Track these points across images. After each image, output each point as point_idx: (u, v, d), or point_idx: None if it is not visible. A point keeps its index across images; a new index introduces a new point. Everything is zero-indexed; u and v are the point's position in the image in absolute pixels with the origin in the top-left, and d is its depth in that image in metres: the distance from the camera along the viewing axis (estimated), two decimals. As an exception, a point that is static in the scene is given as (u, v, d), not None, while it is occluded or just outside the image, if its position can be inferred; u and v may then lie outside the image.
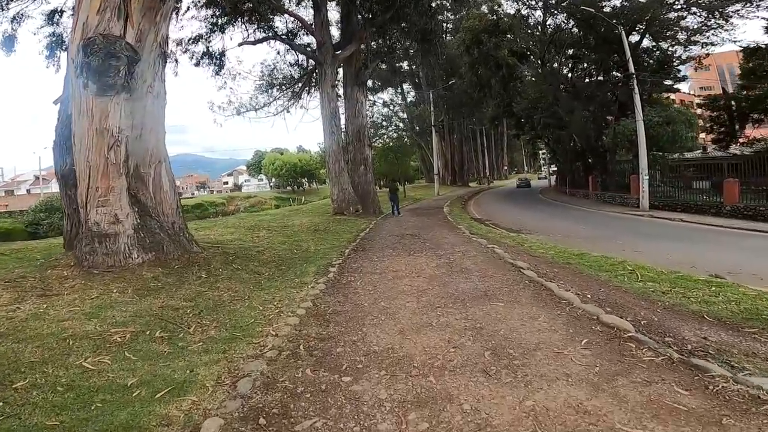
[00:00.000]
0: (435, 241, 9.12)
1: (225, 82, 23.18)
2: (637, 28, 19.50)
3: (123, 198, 5.61)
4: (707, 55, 21.17)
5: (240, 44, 17.28)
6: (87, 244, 5.47)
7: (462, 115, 45.52)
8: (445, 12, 33.54)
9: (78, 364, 3.11)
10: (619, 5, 19.33)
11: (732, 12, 17.94)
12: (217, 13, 16.71)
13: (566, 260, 6.38)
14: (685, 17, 19.13)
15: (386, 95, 50.74)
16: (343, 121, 18.39)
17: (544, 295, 4.54)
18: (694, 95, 39.21)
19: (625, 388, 2.54)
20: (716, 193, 14.32)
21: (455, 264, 6.49)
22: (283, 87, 21.41)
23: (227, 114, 20.55)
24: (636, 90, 16.22)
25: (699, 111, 27.60)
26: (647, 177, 15.76)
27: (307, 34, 18.41)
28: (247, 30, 17.41)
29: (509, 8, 27.36)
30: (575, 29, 22.45)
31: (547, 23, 23.77)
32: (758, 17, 18.12)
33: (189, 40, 17.41)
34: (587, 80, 25.10)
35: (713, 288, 4.57)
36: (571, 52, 24.17)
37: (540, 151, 55.00)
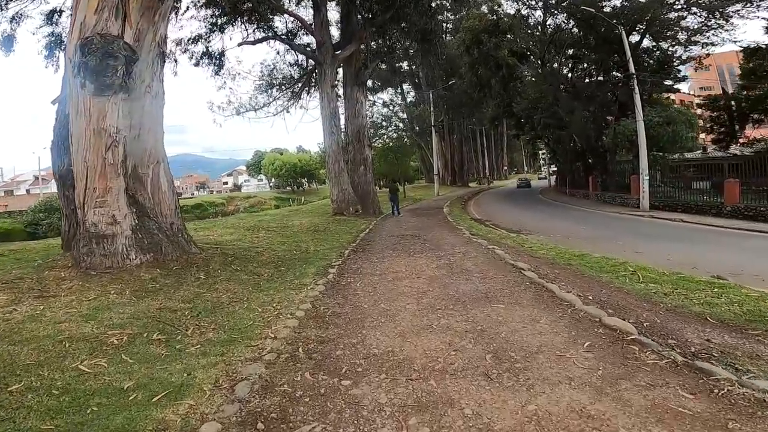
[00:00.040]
0: (435, 242, 9.09)
1: (224, 82, 23.15)
2: (637, 28, 19.47)
3: (121, 199, 5.57)
4: (707, 55, 21.15)
5: (239, 44, 17.25)
6: (85, 245, 5.43)
7: (462, 115, 45.48)
8: (445, 12, 33.52)
9: (74, 366, 3.07)
10: (619, 5, 19.31)
11: (732, 12, 17.92)
12: (217, 13, 16.66)
13: (567, 261, 6.34)
14: (686, 17, 19.12)
15: (386, 95, 50.82)
16: (342, 122, 18.36)
17: (545, 296, 4.50)
18: (694, 95, 39.20)
19: (629, 391, 2.50)
20: (716, 194, 14.29)
21: (456, 265, 6.45)
22: (283, 87, 21.37)
23: (227, 114, 20.51)
24: (636, 90, 16.19)
25: (699, 111, 27.57)
26: (647, 177, 15.73)
27: (306, 34, 18.38)
28: (246, 30, 17.40)
29: (509, 8, 27.38)
30: (575, 29, 22.43)
31: (547, 23, 23.76)
32: (758, 17, 18.13)
33: (188, 40, 17.38)
34: (587, 80, 25.07)
35: (716, 289, 4.54)
36: (571, 52, 24.14)
37: (540, 152, 55.00)
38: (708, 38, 19.63)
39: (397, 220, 15.40)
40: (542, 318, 3.80)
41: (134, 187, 5.94)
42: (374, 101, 47.92)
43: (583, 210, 18.28)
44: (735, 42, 19.80)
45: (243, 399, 2.62)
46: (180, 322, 4.02)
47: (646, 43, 21.07)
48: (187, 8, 16.13)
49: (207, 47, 17.67)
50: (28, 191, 62.20)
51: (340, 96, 19.04)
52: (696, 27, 19.39)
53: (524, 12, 24.74)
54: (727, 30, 18.71)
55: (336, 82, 18.12)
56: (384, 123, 50.75)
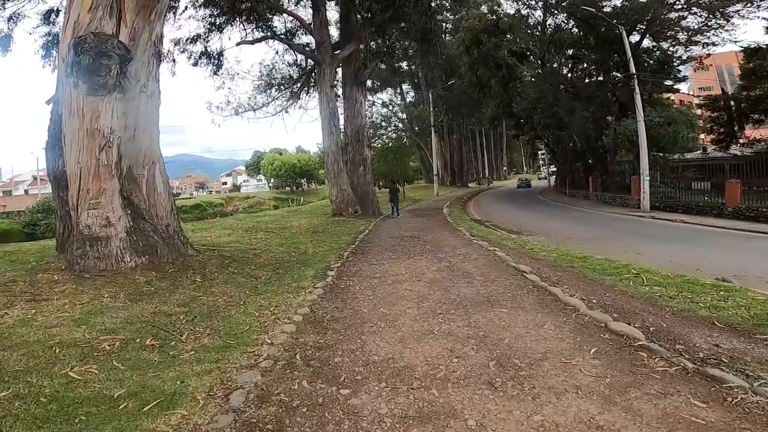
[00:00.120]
0: (435, 244, 8.99)
1: (223, 82, 23.05)
2: (637, 28, 19.40)
3: (115, 200, 5.46)
4: (708, 55, 21.09)
5: (238, 44, 17.16)
6: (78, 248, 5.33)
7: (461, 115, 45.41)
8: (445, 12, 33.46)
9: (63, 373, 2.99)
10: (619, 5, 19.23)
11: (732, 12, 17.86)
12: (215, 13, 16.57)
13: (569, 263, 6.26)
14: (686, 17, 19.05)
15: (385, 95, 50.70)
16: (342, 122, 18.27)
17: (548, 300, 4.41)
18: (694, 95, 39.16)
19: (639, 400, 2.42)
20: (717, 194, 14.23)
21: (456, 267, 6.35)
22: (282, 87, 21.27)
23: (225, 114, 20.39)
24: (637, 90, 16.13)
25: (699, 111, 27.52)
26: (648, 178, 15.65)
27: (305, 33, 18.28)
28: (245, 29, 17.29)
29: (509, 8, 27.32)
30: (575, 29, 22.36)
31: (547, 23, 23.68)
32: (759, 17, 18.07)
33: (187, 40, 17.28)
34: (587, 80, 25.01)
35: (721, 292, 4.46)
36: (571, 52, 24.07)
37: (539, 152, 55.00)
38: (708, 38, 19.58)
39: (396, 221, 15.31)
40: (546, 323, 3.71)
41: (129, 188, 5.84)
42: (373, 101, 47.91)
43: (584, 210, 18.21)
44: (735, 42, 19.77)
45: (238, 409, 2.53)
46: (174, 327, 3.92)
47: (646, 43, 21.02)
48: (186, 8, 16.06)
49: (205, 47, 17.60)
50: (26, 191, 62.04)
51: (339, 96, 18.96)
52: (696, 27, 19.34)
53: (524, 12, 24.68)
54: (727, 30, 18.67)
55: (335, 82, 18.04)
56: (383, 123, 50.68)
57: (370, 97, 42.23)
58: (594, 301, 4.31)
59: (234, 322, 4.11)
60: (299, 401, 2.61)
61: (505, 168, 74.00)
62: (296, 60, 20.43)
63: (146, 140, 6.21)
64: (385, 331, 3.77)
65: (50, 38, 14.82)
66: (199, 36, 17.24)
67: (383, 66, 34.31)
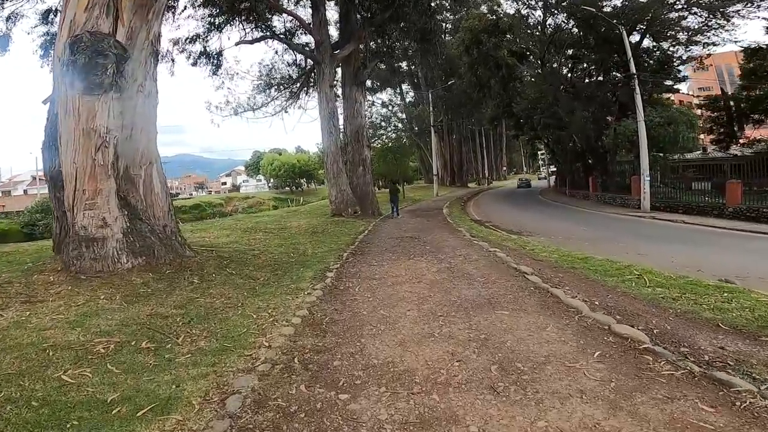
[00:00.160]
0: (435, 244, 8.93)
1: (222, 82, 22.99)
2: (637, 28, 19.36)
3: (111, 201, 5.40)
4: (708, 55, 21.03)
5: (237, 43, 17.11)
6: (74, 249, 5.26)
7: (461, 115, 45.37)
8: (445, 12, 33.40)
9: (56, 377, 2.94)
10: (619, 5, 19.17)
11: (733, 12, 17.82)
12: (214, 13, 16.49)
13: (571, 264, 6.20)
14: (686, 17, 19.00)
15: (385, 95, 50.60)
16: (341, 122, 18.21)
17: (550, 302, 4.35)
18: (693, 95, 39.12)
19: (645, 405, 2.36)
20: (718, 195, 14.19)
21: (457, 269, 6.29)
22: (281, 87, 21.20)
23: (225, 114, 20.31)
24: (637, 90, 16.08)
25: (699, 111, 27.49)
26: (648, 178, 15.60)
27: (305, 33, 18.22)
28: (244, 29, 17.22)
29: (509, 8, 27.30)
30: (575, 29, 22.31)
31: (547, 23, 23.64)
32: (759, 17, 18.03)
33: (186, 40, 17.22)
34: (587, 80, 24.96)
35: (725, 294, 4.41)
36: (571, 52, 24.03)
37: (539, 152, 54.97)
38: (708, 38, 19.53)
39: (396, 221, 15.25)
40: (549, 325, 3.65)
41: (126, 188, 5.77)
42: (373, 101, 47.82)
43: (584, 211, 18.16)
44: (735, 42, 19.71)
45: (234, 414, 2.47)
46: (171, 330, 3.86)
47: (646, 43, 20.97)
48: (185, 7, 16.01)
49: (204, 47, 17.53)
50: (25, 192, 61.92)
51: (338, 96, 18.89)
52: (697, 27, 19.29)
53: (524, 12, 24.64)
54: (727, 30, 18.62)
55: (335, 82, 17.97)
56: (383, 123, 50.57)
57: (369, 97, 42.20)
58: (596, 302, 4.25)
59: (231, 324, 4.05)
60: (297, 406, 2.55)
61: (504, 168, 73.98)
62: (296, 60, 20.37)
63: (143, 140, 6.14)
64: (385, 334, 3.71)
65: (48, 38, 14.77)
66: (198, 36, 17.18)
67: (383, 66, 34.28)
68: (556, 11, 22.52)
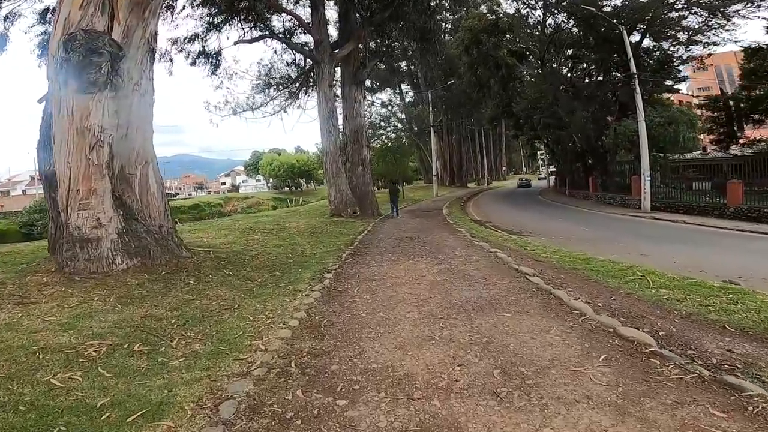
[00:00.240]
0: (435, 245, 8.84)
1: (221, 81, 22.82)
2: (638, 28, 19.30)
3: (106, 201, 5.31)
4: (709, 55, 20.95)
5: (236, 42, 17.02)
6: (68, 249, 5.17)
7: (461, 115, 45.31)
8: (444, 11, 33.29)
9: (45, 380, 2.86)
10: (619, 4, 19.10)
11: (733, 12, 17.75)
12: (213, 12, 16.41)
13: (572, 265, 6.12)
14: (686, 17, 18.94)
15: (384, 95, 50.55)
16: (340, 121, 18.12)
17: (553, 304, 4.26)
18: (692, 95, 39.10)
19: (655, 411, 2.28)
20: (718, 195, 14.13)
21: (457, 270, 6.20)
22: (280, 87, 21.12)
23: (224, 114, 20.20)
24: (638, 90, 16.01)
25: (698, 111, 27.45)
26: (649, 178, 15.53)
27: (304, 32, 18.14)
28: (243, 28, 17.14)
29: (509, 8, 27.24)
30: (575, 29, 22.25)
31: (547, 23, 23.57)
32: (759, 17, 17.97)
33: (185, 39, 17.12)
34: (587, 80, 24.91)
35: (730, 295, 4.34)
36: (570, 51, 23.96)
37: (538, 152, 54.95)
38: (709, 38, 19.46)
39: (396, 221, 15.16)
40: (552, 328, 3.56)
41: (121, 188, 5.68)
42: (373, 101, 47.75)
43: (584, 211, 18.09)
44: (736, 42, 19.62)
45: (228, 421, 2.38)
46: (165, 332, 3.77)
47: (647, 42, 20.90)
48: (183, 7, 15.91)
49: (203, 46, 17.44)
50: (24, 192, 61.80)
51: (338, 96, 18.81)
52: (697, 27, 19.22)
53: (524, 11, 24.57)
54: (728, 30, 18.55)
55: (334, 82, 17.89)
56: (382, 123, 50.52)
57: (369, 97, 42.11)
58: (600, 304, 4.17)
59: (227, 326, 3.96)
60: (293, 413, 2.46)
61: (504, 168, 73.96)
62: (295, 59, 20.30)
63: (139, 139, 6.05)
64: (385, 337, 3.62)
65: (46, 37, 14.67)
66: (197, 35, 17.09)
67: (382, 66, 34.17)
68: (556, 11, 22.46)
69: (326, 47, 16.08)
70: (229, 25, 16.98)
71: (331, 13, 19.35)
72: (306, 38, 18.62)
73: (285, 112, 21.30)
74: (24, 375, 2.93)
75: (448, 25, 37.67)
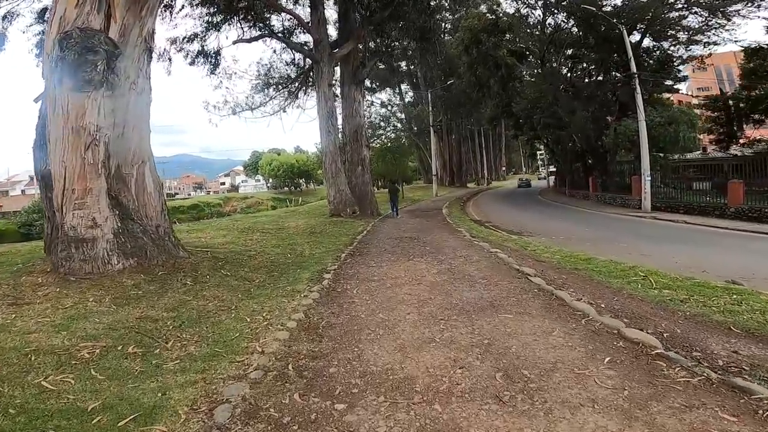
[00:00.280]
0: (435, 245, 8.78)
1: (221, 81, 22.75)
2: (638, 28, 19.25)
3: (102, 200, 5.23)
4: (709, 54, 20.90)
5: (235, 42, 16.94)
6: (63, 250, 5.10)
7: (460, 115, 45.24)
8: (444, 11, 33.22)
9: (36, 383, 2.80)
10: (619, 4, 19.07)
11: (733, 12, 17.71)
12: (212, 11, 16.34)
13: (574, 265, 6.06)
14: (687, 17, 18.90)
15: (384, 95, 50.50)
16: (340, 121, 18.05)
17: (555, 305, 4.20)
18: (692, 95, 39.07)
19: (662, 415, 2.22)
20: (719, 195, 14.08)
21: (457, 270, 6.14)
22: (280, 86, 21.04)
23: (223, 114, 20.12)
24: (638, 90, 15.96)
25: (698, 111, 27.40)
26: (649, 178, 15.47)
27: (303, 32, 18.07)
28: (242, 28, 17.06)
29: (508, 7, 27.15)
30: (575, 29, 22.19)
31: (547, 22, 23.51)
32: (759, 17, 17.92)
33: (183, 39, 17.04)
34: (587, 80, 24.86)
35: (734, 296, 4.29)
36: (570, 51, 23.90)
37: (538, 152, 54.92)
38: (709, 38, 19.42)
39: (395, 221, 15.10)
40: (555, 329, 3.50)
41: (117, 188, 5.60)
42: (372, 101, 47.70)
43: (584, 211, 18.04)
44: (736, 42, 19.57)
45: (222, 426, 2.32)
46: (160, 334, 3.70)
47: (647, 42, 20.85)
48: (182, 6, 15.84)
49: (202, 46, 17.35)
50: (23, 192, 61.69)
51: (337, 95, 18.74)
52: (697, 26, 19.18)
53: (523, 11, 24.51)
54: (728, 30, 18.49)
55: (333, 81, 17.82)
56: (382, 123, 50.46)
57: (368, 97, 42.11)
58: (603, 305, 4.11)
59: (224, 328, 3.89)
60: (290, 417, 2.39)
61: (504, 168, 73.91)
62: (294, 59, 20.25)
63: (136, 138, 5.98)
64: (384, 339, 3.55)
65: (44, 36, 14.60)
66: (196, 35, 17.00)
67: (382, 66, 34.13)
68: (555, 10, 22.40)
69: (326, 47, 16.01)
70: (228, 24, 16.91)
71: (331, 12, 19.32)
72: (305, 38, 18.58)
73: (284, 111, 21.26)
74: (15, 377, 2.87)
75: (448, 25, 37.60)
